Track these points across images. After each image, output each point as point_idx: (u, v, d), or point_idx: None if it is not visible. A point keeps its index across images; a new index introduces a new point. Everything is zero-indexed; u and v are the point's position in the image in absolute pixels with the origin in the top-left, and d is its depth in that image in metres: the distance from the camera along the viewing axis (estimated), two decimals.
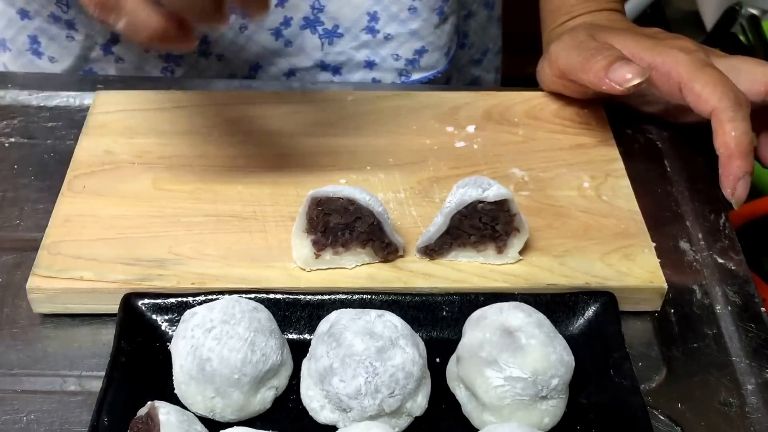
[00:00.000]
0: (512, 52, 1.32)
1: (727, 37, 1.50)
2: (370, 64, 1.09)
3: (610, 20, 0.97)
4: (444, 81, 1.14)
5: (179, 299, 0.75)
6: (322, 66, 1.09)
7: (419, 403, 0.69)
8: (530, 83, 0.99)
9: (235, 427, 0.65)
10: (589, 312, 0.76)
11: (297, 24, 1.05)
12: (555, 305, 0.75)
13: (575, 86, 0.91)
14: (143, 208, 0.83)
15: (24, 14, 1.04)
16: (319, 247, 0.76)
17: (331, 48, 1.08)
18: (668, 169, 0.92)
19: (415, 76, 1.11)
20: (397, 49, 1.08)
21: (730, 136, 0.80)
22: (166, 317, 0.74)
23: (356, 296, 0.75)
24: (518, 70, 1.14)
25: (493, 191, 0.75)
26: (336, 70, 1.09)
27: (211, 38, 1.04)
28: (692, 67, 0.83)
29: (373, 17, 1.05)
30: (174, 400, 0.69)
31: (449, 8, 1.08)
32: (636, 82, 0.82)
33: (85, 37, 1.05)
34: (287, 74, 1.09)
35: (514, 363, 0.67)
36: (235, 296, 0.73)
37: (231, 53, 1.06)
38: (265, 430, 0.66)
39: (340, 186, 0.75)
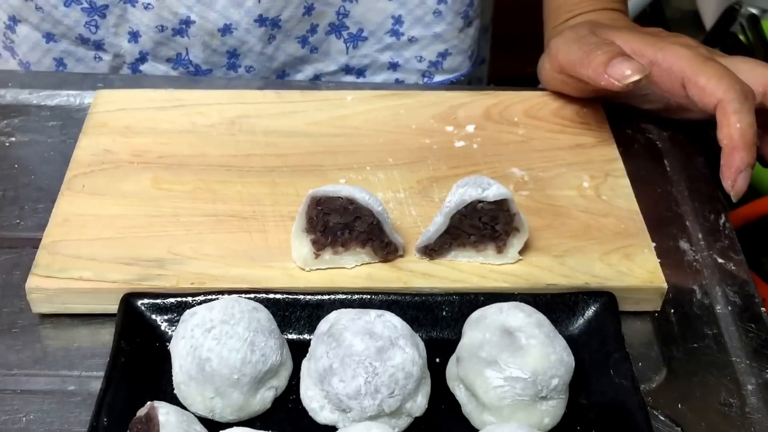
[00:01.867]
0: (512, 52, 1.32)
1: (727, 37, 1.50)
2: (393, 66, 1.10)
3: (611, 19, 0.97)
4: (466, 83, 1.15)
5: (179, 299, 0.75)
6: (347, 69, 1.10)
7: (419, 404, 0.69)
8: (530, 83, 0.99)
9: (234, 427, 0.65)
10: (589, 312, 0.76)
11: (323, 30, 1.06)
12: (555, 305, 0.75)
13: (575, 82, 0.90)
14: (143, 207, 0.83)
15: (50, 37, 1.05)
16: (318, 246, 0.76)
17: (356, 51, 1.09)
18: (668, 168, 0.92)
19: (438, 77, 1.11)
20: (420, 51, 1.09)
21: (735, 127, 0.79)
22: (166, 317, 0.74)
23: (356, 296, 0.75)
24: (518, 70, 1.14)
25: (493, 191, 0.75)
26: (360, 72, 1.10)
27: (240, 51, 1.05)
28: (695, 61, 0.83)
29: (398, 20, 1.06)
30: (173, 400, 0.69)
31: (474, 12, 1.09)
32: (635, 78, 0.82)
33: (113, 57, 1.06)
34: (312, 79, 1.10)
35: (514, 363, 0.67)
36: (234, 296, 0.72)
37: (259, 63, 1.07)
38: (265, 430, 0.66)
39: (339, 185, 0.75)
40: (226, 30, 1.02)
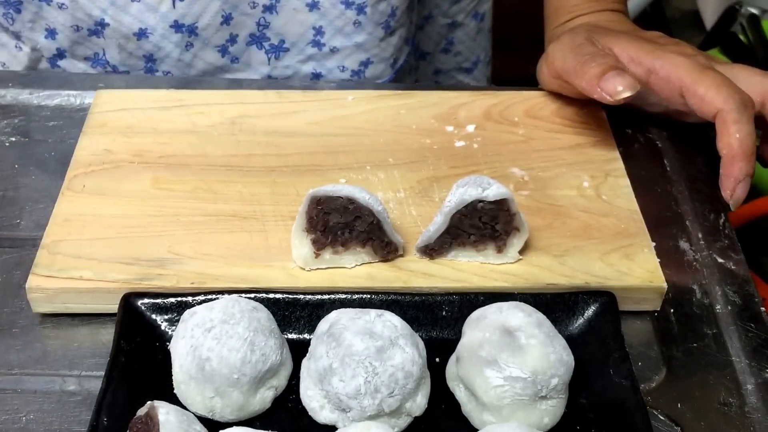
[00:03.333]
0: (512, 52, 1.33)
1: (727, 37, 1.50)
2: (316, 76, 1.10)
3: (611, 21, 0.97)
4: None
5: (179, 299, 0.75)
6: (269, 80, 1.09)
7: (419, 403, 0.69)
8: (530, 83, 0.99)
9: (234, 427, 0.65)
10: (589, 312, 0.76)
11: (243, 41, 1.06)
12: (555, 305, 0.75)
13: (572, 87, 0.91)
14: (143, 207, 0.83)
15: None
16: (318, 246, 0.76)
17: (278, 62, 1.08)
18: (668, 168, 0.92)
19: None
20: (342, 61, 1.09)
21: (734, 137, 0.80)
22: (166, 317, 0.74)
23: (356, 296, 0.75)
24: (518, 70, 1.14)
25: (493, 190, 0.75)
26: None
27: (156, 56, 1.04)
28: (693, 70, 0.83)
29: (319, 31, 1.06)
30: (173, 400, 0.69)
31: (396, 22, 1.09)
32: (626, 95, 0.82)
33: (31, 50, 1.06)
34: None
35: (513, 363, 0.67)
36: (234, 296, 0.73)
37: (177, 70, 1.06)
38: (265, 430, 0.66)
39: (339, 185, 0.75)
40: (141, 34, 1.02)
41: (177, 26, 1.02)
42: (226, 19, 1.03)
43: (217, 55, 1.06)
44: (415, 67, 1.25)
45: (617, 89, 0.82)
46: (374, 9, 1.06)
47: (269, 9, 1.04)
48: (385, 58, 1.11)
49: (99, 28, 1.02)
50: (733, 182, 0.80)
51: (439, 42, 1.24)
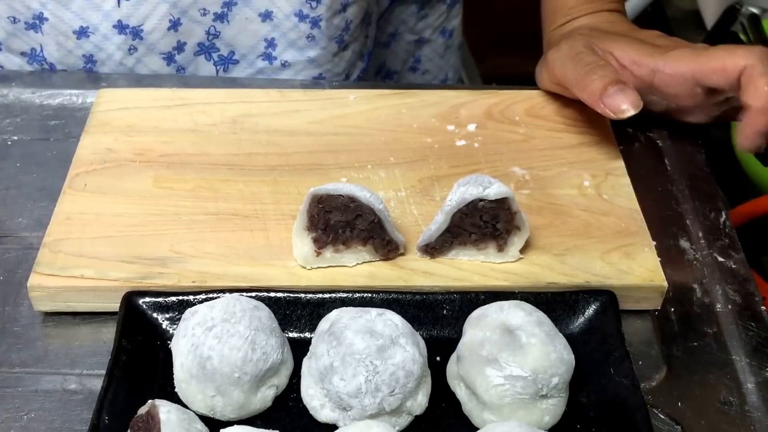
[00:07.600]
0: (512, 52, 1.33)
1: (728, 36, 1.50)
2: None
3: (609, 22, 0.96)
4: None
5: (180, 297, 0.75)
6: (270, 79, 1.07)
7: (419, 402, 0.69)
8: (530, 82, 0.99)
9: (235, 425, 0.65)
10: (590, 310, 0.76)
11: (191, 50, 1.03)
12: (555, 304, 0.75)
13: (572, 93, 0.90)
14: (144, 206, 0.83)
15: None
16: (319, 244, 0.76)
17: (226, 75, 1.06)
18: (668, 167, 0.92)
19: None
20: (294, 75, 1.07)
21: (763, 90, 0.79)
22: (167, 316, 0.75)
23: (357, 295, 0.75)
24: (519, 69, 1.14)
25: (494, 189, 0.75)
26: None
27: (97, 58, 1.02)
28: (699, 54, 0.84)
29: (271, 44, 1.04)
30: (174, 398, 0.69)
31: (350, 36, 1.07)
32: (630, 113, 0.82)
33: None
34: None
35: (514, 362, 0.67)
36: (235, 294, 0.73)
37: (118, 74, 1.04)
38: (266, 428, 0.66)
39: (341, 184, 0.75)
40: (81, 33, 1.00)
41: (120, 27, 0.99)
42: (174, 25, 1.00)
43: (162, 62, 1.03)
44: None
45: (621, 107, 0.82)
46: (329, 23, 1.03)
47: (220, 17, 1.01)
48: (337, 73, 1.09)
49: (37, 22, 0.99)
50: (754, 133, 0.80)
51: (406, 60, 1.23)
